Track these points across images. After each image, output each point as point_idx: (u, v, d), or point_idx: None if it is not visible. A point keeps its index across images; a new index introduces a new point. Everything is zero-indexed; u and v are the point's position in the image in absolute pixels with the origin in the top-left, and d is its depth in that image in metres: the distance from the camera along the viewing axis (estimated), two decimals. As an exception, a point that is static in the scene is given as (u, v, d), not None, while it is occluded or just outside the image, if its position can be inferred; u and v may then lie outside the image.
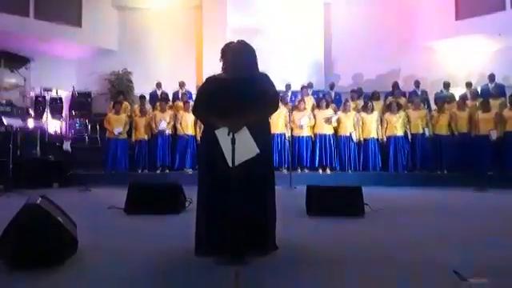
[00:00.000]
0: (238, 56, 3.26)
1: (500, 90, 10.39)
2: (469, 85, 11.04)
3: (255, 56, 3.33)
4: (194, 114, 3.54)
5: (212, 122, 3.13)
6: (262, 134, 3.22)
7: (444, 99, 10.37)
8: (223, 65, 3.35)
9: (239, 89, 3.11)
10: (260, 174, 3.15)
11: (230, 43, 3.36)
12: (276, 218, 3.29)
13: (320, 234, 4.13)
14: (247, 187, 3.03)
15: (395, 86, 11.29)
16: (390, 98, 10.67)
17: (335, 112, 9.96)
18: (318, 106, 10.10)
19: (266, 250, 3.17)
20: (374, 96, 10.76)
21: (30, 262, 2.77)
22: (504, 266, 2.90)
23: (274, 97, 3.35)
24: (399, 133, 9.60)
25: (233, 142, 2.90)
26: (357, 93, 11.11)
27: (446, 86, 11.21)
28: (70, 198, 6.77)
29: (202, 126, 3.41)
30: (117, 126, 9.81)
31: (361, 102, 10.68)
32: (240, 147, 2.93)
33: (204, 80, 3.40)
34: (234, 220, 2.91)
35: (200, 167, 3.50)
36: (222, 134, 2.99)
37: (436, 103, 10.57)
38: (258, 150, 3.00)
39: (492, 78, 10.76)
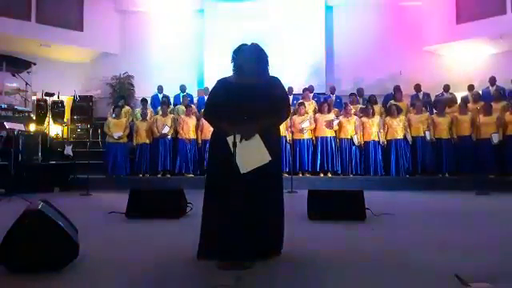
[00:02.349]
0: (251, 59, 3.21)
1: (501, 94, 10.37)
2: (471, 88, 11.03)
3: (267, 59, 3.30)
4: (205, 118, 3.48)
5: (223, 128, 3.09)
6: (272, 138, 3.18)
7: (444, 102, 10.36)
8: (234, 67, 3.29)
9: (250, 94, 3.07)
10: (268, 179, 3.13)
11: (243, 45, 3.30)
12: (284, 223, 3.28)
13: (321, 238, 4.12)
14: (254, 192, 3.02)
15: (397, 90, 11.25)
16: (390, 102, 10.65)
17: (337, 116, 9.96)
18: (320, 110, 10.08)
19: (270, 252, 3.16)
20: (372, 100, 10.73)
21: (31, 266, 2.77)
22: (506, 271, 2.89)
23: (286, 103, 3.32)
24: (400, 136, 9.59)
25: (245, 148, 2.89)
26: (357, 95, 11.11)
27: (446, 88, 11.21)
28: (71, 203, 6.76)
29: (212, 130, 3.36)
30: (116, 130, 9.82)
31: (360, 105, 10.68)
32: (252, 154, 2.92)
33: (216, 82, 3.34)
34: (237, 224, 2.91)
35: (208, 170, 3.48)
36: (234, 141, 2.98)
37: (435, 106, 10.57)
38: (269, 158, 2.98)
39: (493, 81, 10.74)
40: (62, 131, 12.31)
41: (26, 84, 11.32)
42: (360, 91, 11.49)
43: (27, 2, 11.98)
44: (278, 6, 13.41)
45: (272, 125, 3.18)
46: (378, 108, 10.46)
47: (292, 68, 12.88)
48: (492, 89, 10.64)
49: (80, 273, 2.87)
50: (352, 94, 11.15)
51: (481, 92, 10.74)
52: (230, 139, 2.98)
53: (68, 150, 9.24)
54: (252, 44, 3.30)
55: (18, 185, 8.00)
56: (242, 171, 2.90)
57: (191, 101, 11.22)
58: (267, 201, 3.14)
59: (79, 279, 2.77)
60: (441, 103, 10.32)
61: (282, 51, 12.97)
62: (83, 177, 9.00)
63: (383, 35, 12.92)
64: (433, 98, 11.27)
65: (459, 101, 10.43)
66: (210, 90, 3.51)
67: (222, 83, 3.30)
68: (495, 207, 6.66)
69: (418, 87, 11.40)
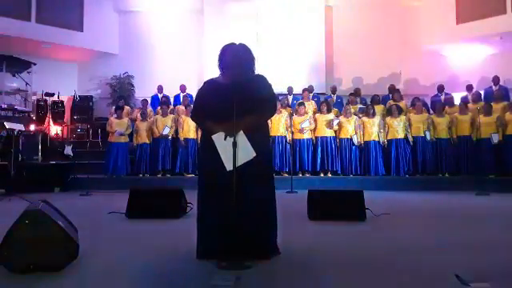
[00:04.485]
0: (237, 59, 3.23)
1: (504, 93, 10.37)
2: (469, 88, 11.03)
3: (253, 58, 3.32)
4: (191, 118, 3.53)
5: (208, 127, 3.15)
6: (261, 136, 3.21)
7: (442, 103, 10.37)
8: (221, 68, 3.32)
9: (237, 92, 3.07)
10: (260, 177, 3.16)
11: (228, 45, 3.33)
12: (277, 222, 3.29)
13: (321, 238, 4.12)
14: (247, 191, 3.03)
15: (392, 89, 11.28)
16: (390, 102, 10.66)
17: (337, 116, 9.96)
18: (319, 110, 10.08)
19: (267, 254, 3.16)
20: (374, 100, 10.75)
21: (31, 266, 2.77)
22: (506, 270, 2.89)
23: (272, 100, 3.35)
24: (400, 136, 9.58)
25: (229, 145, 2.91)
26: (355, 95, 11.09)
27: (441, 89, 11.23)
28: (71, 203, 6.77)
29: (200, 131, 3.41)
30: (119, 128, 9.80)
31: (359, 105, 10.68)
32: (237, 151, 2.94)
33: (203, 83, 3.38)
34: (234, 224, 2.91)
35: (200, 171, 3.50)
36: (219, 139, 3.01)
37: (432, 107, 10.56)
38: (254, 153, 3.03)
39: (496, 80, 10.73)
40: (62, 131, 12.32)
41: (26, 84, 11.34)
42: (357, 91, 11.46)
43: (27, 3, 11.97)
44: (277, 5, 13.40)
45: (257, 122, 3.20)
46: (380, 108, 10.45)
47: (292, 68, 12.89)
48: (495, 88, 10.63)
49: (80, 273, 2.87)
50: (351, 94, 11.16)
51: (483, 91, 10.74)
52: (215, 137, 3.03)
53: (68, 150, 9.24)
54: (239, 44, 3.33)
55: (18, 185, 8.01)
56: (228, 168, 2.94)
57: (191, 101, 11.22)
58: (258, 200, 3.14)
59: (79, 279, 2.77)
60: (437, 103, 10.33)
61: (281, 51, 13.01)
62: (83, 177, 9.01)
63: (383, 35, 12.92)
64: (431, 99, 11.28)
65: (456, 101, 10.44)
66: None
67: (209, 84, 3.33)
68: (495, 207, 6.67)
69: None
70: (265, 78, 3.32)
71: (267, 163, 3.30)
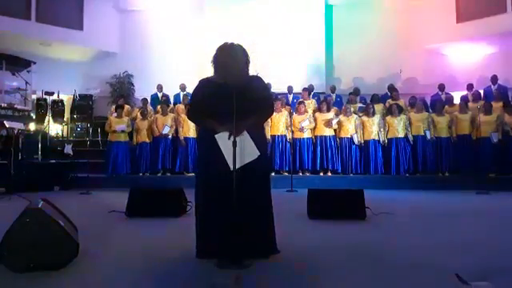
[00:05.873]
0: (232, 59, 3.20)
1: (502, 92, 10.36)
2: (470, 87, 11.03)
3: (248, 59, 3.30)
4: (189, 118, 3.50)
5: (211, 126, 3.11)
6: (259, 136, 3.22)
7: (443, 102, 10.36)
8: (216, 67, 3.27)
9: (233, 93, 3.05)
10: (258, 176, 3.16)
11: (224, 45, 3.29)
12: (274, 221, 3.29)
13: (321, 237, 4.12)
14: (245, 190, 3.02)
15: (391, 88, 11.28)
16: (389, 101, 10.65)
17: (337, 115, 9.95)
18: (319, 109, 10.08)
19: (267, 253, 3.16)
20: (374, 99, 10.74)
21: (31, 265, 2.77)
22: (506, 270, 2.89)
23: (270, 100, 3.36)
24: (401, 135, 9.57)
25: (234, 145, 2.91)
26: (354, 94, 11.09)
27: (442, 88, 11.23)
28: (71, 202, 6.77)
29: (198, 129, 3.38)
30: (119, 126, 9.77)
31: (359, 104, 10.68)
32: (241, 151, 2.94)
33: (198, 82, 3.34)
34: (233, 223, 2.91)
35: (198, 169, 3.50)
36: (223, 139, 3.00)
37: (432, 106, 10.56)
38: (258, 153, 3.04)
39: (494, 79, 10.73)
40: (62, 130, 12.32)
41: (26, 83, 11.31)
42: (356, 90, 11.43)
43: (27, 1, 11.99)
44: (277, 5, 13.39)
45: (257, 122, 3.21)
46: (379, 107, 10.44)
47: (292, 67, 12.89)
48: (494, 87, 10.63)
49: (80, 272, 2.87)
50: (351, 93, 11.16)
51: (482, 90, 10.73)
52: (218, 137, 3.01)
53: (68, 149, 9.23)
54: (234, 44, 3.30)
55: (18, 184, 8.01)
56: (231, 168, 2.93)
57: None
58: (256, 199, 3.14)
59: (79, 278, 2.77)
60: (437, 102, 10.33)
61: (281, 51, 13.00)
62: (83, 176, 9.01)
63: (383, 34, 12.92)
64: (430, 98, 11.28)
65: (456, 100, 10.44)
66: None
67: (205, 83, 3.30)
68: (495, 206, 6.67)
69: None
70: (261, 79, 3.32)
71: (264, 162, 3.30)
